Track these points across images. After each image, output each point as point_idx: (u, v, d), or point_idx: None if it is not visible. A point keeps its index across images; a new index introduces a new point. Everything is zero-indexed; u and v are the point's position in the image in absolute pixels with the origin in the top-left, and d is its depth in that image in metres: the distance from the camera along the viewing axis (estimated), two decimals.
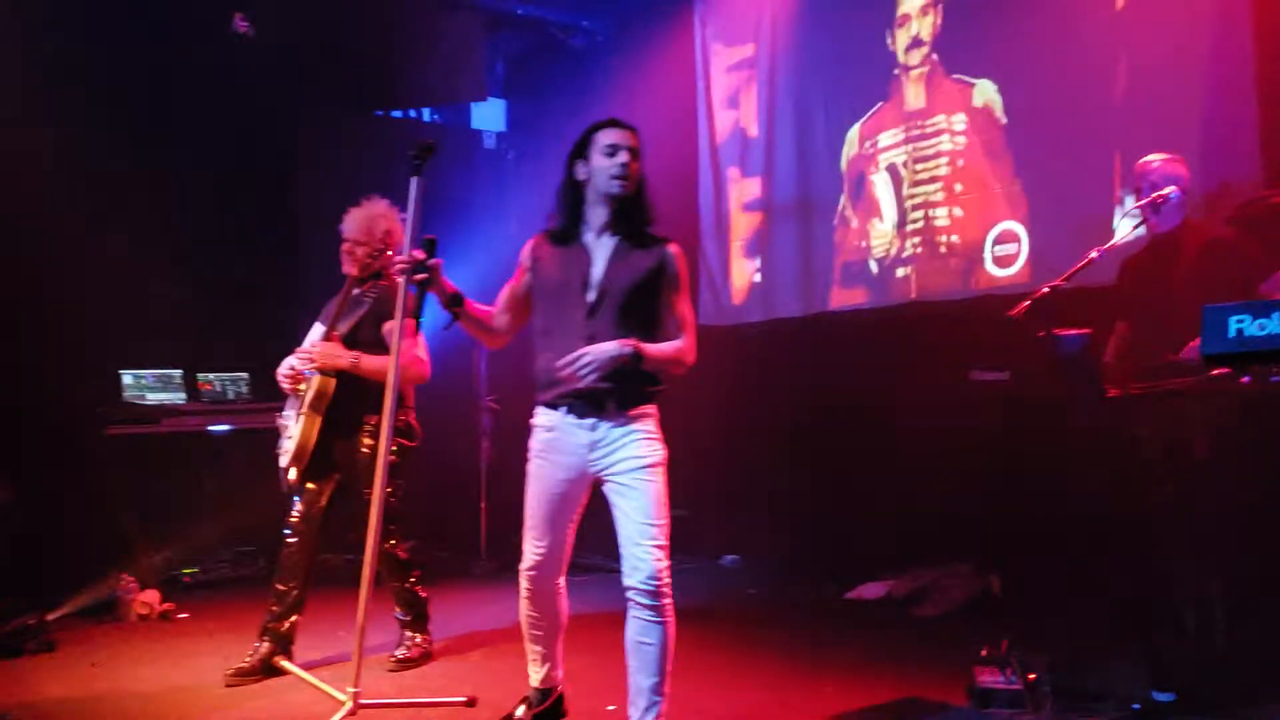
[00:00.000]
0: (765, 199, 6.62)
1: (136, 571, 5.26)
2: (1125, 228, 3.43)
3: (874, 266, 5.92)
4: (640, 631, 2.90)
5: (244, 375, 6.34)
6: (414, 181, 3.21)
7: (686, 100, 7.17)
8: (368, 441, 4.07)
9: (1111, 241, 3.38)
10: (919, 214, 5.64)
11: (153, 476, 5.81)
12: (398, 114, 8.04)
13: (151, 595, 5.15)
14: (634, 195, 3.03)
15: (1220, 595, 3.39)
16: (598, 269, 3.02)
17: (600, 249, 3.04)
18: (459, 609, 5.15)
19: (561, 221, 3.08)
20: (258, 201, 6.80)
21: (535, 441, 3.08)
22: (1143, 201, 3.52)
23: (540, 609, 3.16)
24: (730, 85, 6.93)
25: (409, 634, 4.25)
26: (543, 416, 3.07)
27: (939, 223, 5.54)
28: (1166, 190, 3.51)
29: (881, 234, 5.88)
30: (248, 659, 3.99)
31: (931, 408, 4.98)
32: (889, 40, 5.80)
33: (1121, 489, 3.54)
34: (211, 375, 6.28)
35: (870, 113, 5.94)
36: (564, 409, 3.00)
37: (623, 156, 2.97)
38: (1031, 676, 3.48)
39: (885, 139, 5.85)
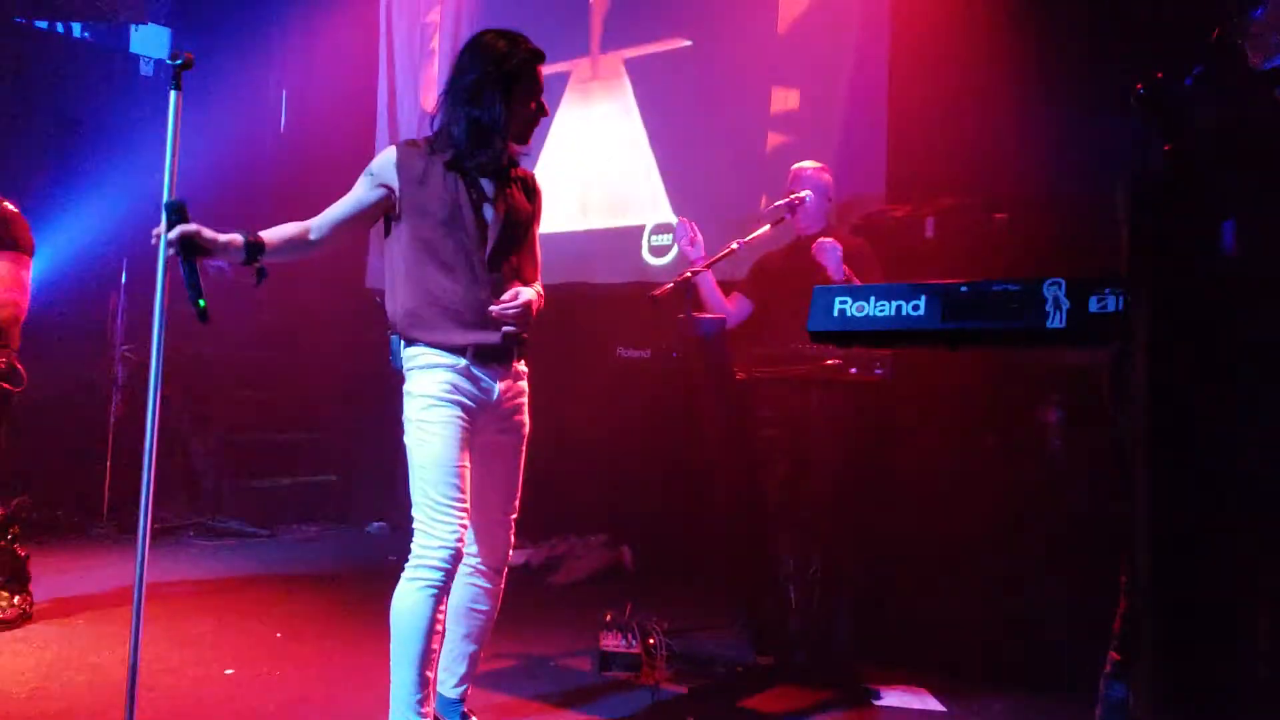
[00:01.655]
0: None
1: None
2: (765, 225, 3.70)
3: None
4: (477, 599, 2.82)
5: None
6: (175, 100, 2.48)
7: (370, 57, 6.94)
8: None
9: (750, 235, 3.62)
10: (589, 195, 5.80)
11: None
12: (42, 24, 7.22)
13: None
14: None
15: (818, 572, 3.74)
16: (490, 203, 2.73)
17: (486, 181, 2.73)
18: (69, 571, 4.73)
19: (461, 144, 2.68)
20: None
21: (435, 385, 2.63)
22: (781, 201, 3.80)
23: (447, 603, 2.67)
24: (412, 48, 6.78)
25: (4, 594, 3.90)
26: (436, 359, 2.65)
27: (606, 205, 5.73)
28: (802, 194, 3.81)
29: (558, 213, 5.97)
30: None
31: (585, 385, 5.13)
32: None
33: (742, 467, 3.83)
34: None
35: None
36: (469, 356, 2.67)
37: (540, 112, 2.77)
38: (650, 641, 3.70)
39: (565, 117, 5.96)
